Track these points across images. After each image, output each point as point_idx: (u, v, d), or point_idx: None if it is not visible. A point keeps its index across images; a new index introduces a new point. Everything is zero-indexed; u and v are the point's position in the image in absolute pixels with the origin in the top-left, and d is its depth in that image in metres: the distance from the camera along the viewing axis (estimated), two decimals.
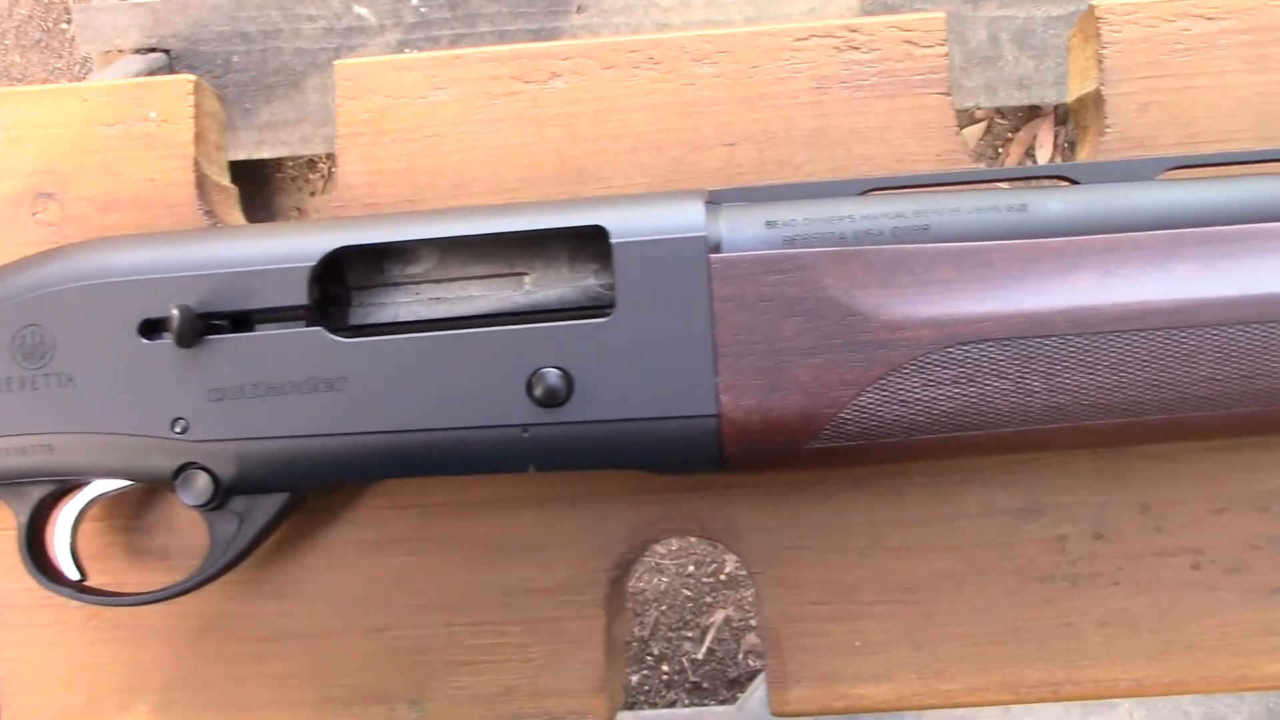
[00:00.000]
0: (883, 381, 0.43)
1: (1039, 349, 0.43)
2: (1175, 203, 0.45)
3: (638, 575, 1.34)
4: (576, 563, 0.48)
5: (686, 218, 0.44)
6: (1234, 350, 0.43)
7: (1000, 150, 1.43)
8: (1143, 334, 0.43)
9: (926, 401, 0.43)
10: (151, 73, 1.26)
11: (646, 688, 1.38)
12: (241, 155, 1.29)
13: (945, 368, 0.43)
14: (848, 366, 0.43)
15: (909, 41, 0.48)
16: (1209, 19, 0.48)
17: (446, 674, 0.48)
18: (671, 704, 1.32)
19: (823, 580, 0.48)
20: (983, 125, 1.43)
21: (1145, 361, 0.43)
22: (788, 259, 0.43)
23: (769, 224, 0.44)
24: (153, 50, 1.30)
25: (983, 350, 0.43)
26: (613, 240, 0.43)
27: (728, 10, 1.33)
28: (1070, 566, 0.48)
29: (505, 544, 0.48)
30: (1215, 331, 0.43)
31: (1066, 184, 0.46)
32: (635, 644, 1.38)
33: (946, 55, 0.48)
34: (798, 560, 0.48)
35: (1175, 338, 0.43)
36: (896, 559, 0.48)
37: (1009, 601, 0.48)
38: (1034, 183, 0.47)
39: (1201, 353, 0.43)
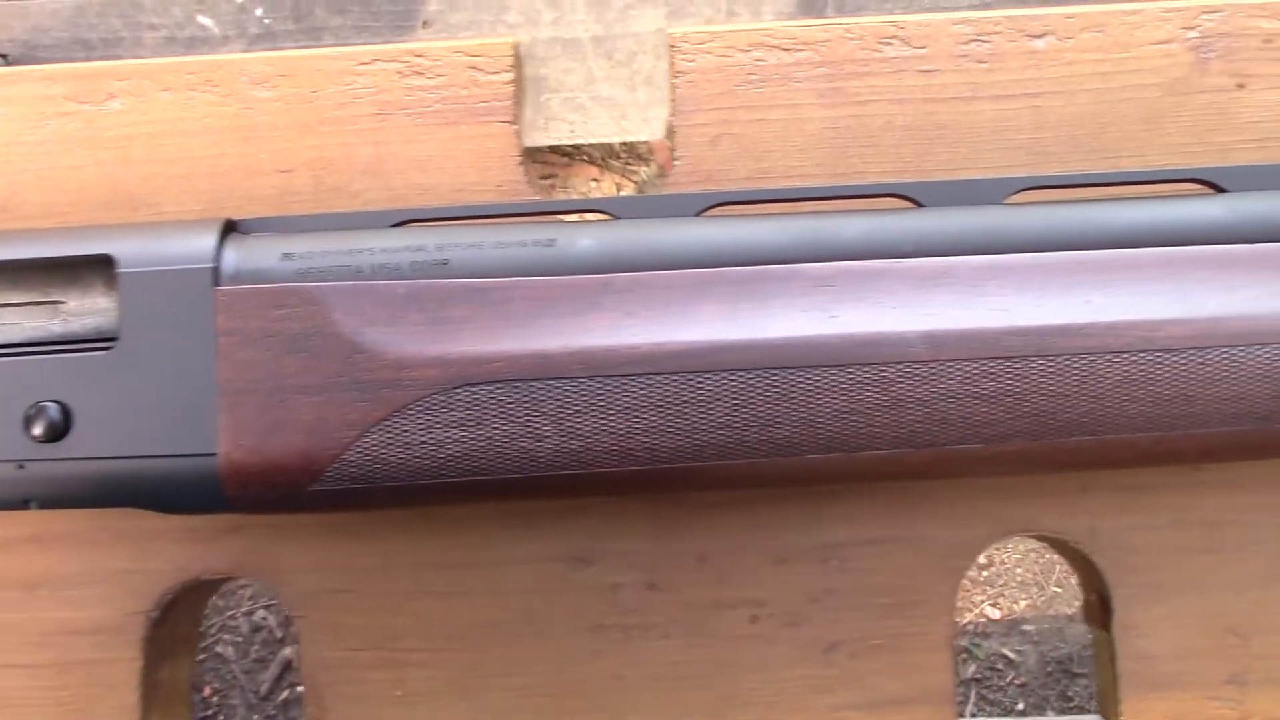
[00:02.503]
0: (387, 423, 0.41)
1: (549, 392, 0.41)
2: (711, 241, 0.43)
3: None
4: (113, 603, 0.46)
5: (196, 248, 0.42)
6: (751, 395, 0.41)
7: None
8: (658, 378, 0.41)
9: (432, 444, 0.41)
10: None
11: None
12: None
13: (452, 410, 0.41)
14: (351, 406, 0.41)
15: (474, 68, 0.47)
16: (784, 49, 0.46)
17: None
18: None
19: (365, 625, 0.46)
20: None
21: (659, 406, 0.41)
22: (295, 292, 0.42)
23: (285, 256, 0.42)
24: None
25: (491, 392, 0.41)
26: (119, 270, 0.42)
27: (574, 28, 1.31)
28: (622, 617, 0.46)
29: (43, 582, 0.46)
30: (733, 376, 0.41)
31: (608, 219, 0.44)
32: None
33: (513, 82, 0.46)
34: (340, 604, 0.46)
35: (691, 382, 0.41)
36: (441, 605, 0.46)
37: (558, 652, 0.46)
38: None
39: (719, 398, 0.41)
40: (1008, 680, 1.39)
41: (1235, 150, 0.46)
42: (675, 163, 0.47)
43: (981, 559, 1.43)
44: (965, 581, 1.43)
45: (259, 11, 1.33)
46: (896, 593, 0.45)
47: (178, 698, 0.48)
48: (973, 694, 1.38)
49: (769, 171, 0.46)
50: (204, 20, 1.33)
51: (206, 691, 1.43)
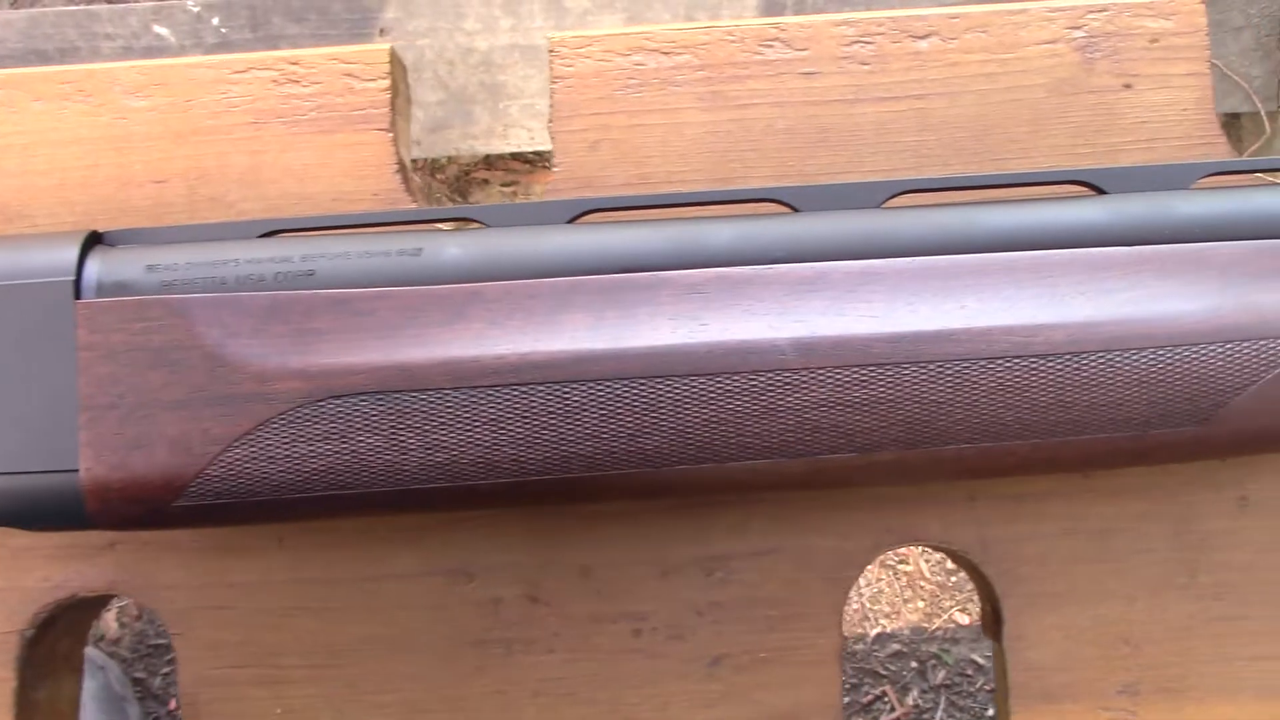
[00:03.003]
0: (250, 436, 0.41)
1: (414, 403, 0.40)
2: (581, 248, 0.42)
3: None
4: None
5: (56, 260, 0.41)
6: (618, 406, 0.40)
7: None
8: (523, 389, 0.40)
9: (296, 458, 0.41)
10: None
11: None
12: None
13: (316, 423, 0.41)
14: (215, 420, 0.41)
15: (350, 75, 0.46)
16: (664, 53, 0.46)
17: None
18: None
19: (244, 642, 0.45)
20: None
21: (525, 418, 0.40)
22: (158, 305, 0.41)
23: (149, 268, 0.42)
24: None
25: (356, 405, 0.40)
26: None
27: (533, 35, 1.31)
28: (504, 632, 0.45)
29: None
30: (599, 386, 0.40)
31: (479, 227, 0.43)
32: None
33: (388, 89, 0.46)
34: (219, 621, 0.45)
35: (557, 393, 0.40)
36: (321, 621, 0.45)
37: (439, 668, 0.45)
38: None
39: (585, 409, 0.40)
40: (977, 686, 1.38)
41: (1123, 151, 0.45)
42: (554, 169, 0.46)
43: (949, 564, 1.42)
44: (933, 587, 1.42)
45: (215, 21, 1.33)
46: (783, 605, 0.45)
47: (59, 718, 0.47)
48: (942, 700, 1.37)
49: (649, 177, 0.46)
50: (160, 30, 1.32)
51: (172, 705, 1.43)
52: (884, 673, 1.40)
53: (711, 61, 0.46)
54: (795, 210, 0.43)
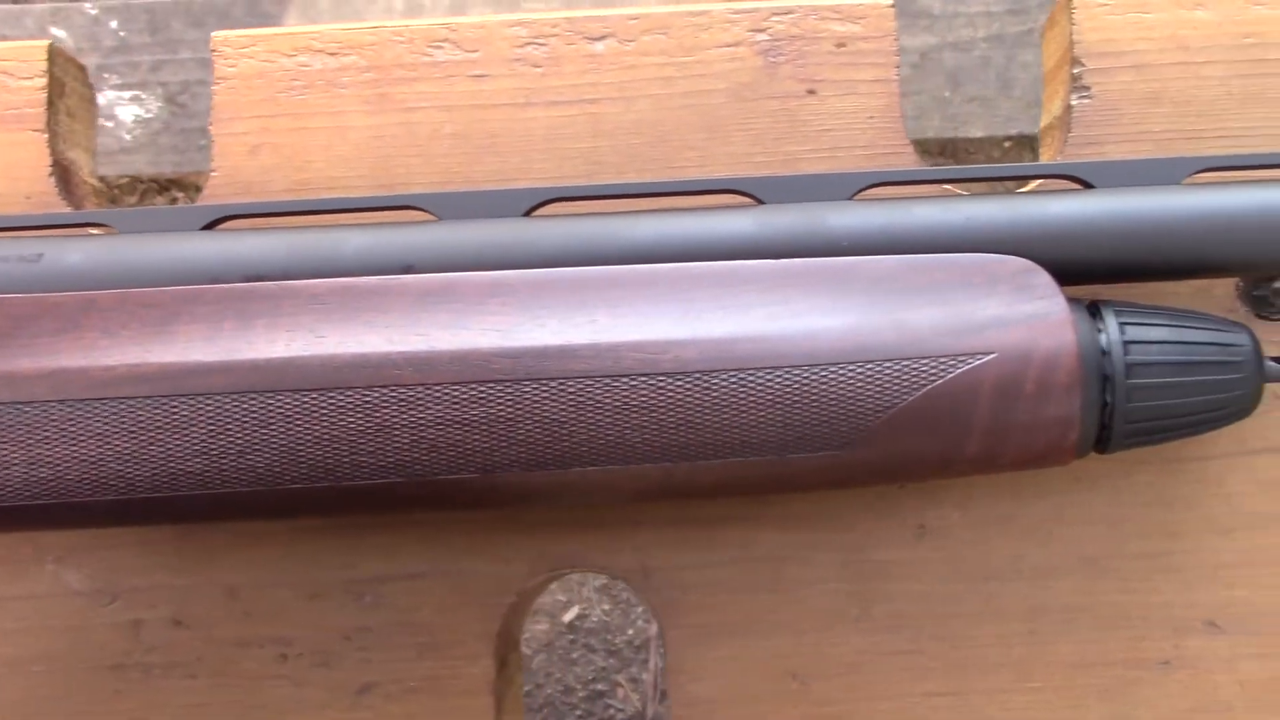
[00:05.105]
0: None
1: (17, 416, 0.39)
2: (208, 256, 0.41)
3: None
4: None
5: None
6: (227, 421, 0.38)
7: None
8: (130, 402, 0.38)
9: None
10: None
11: None
12: None
13: None
14: None
15: (4, 73, 0.44)
16: (331, 54, 0.44)
17: None
18: None
19: None
20: None
21: (132, 432, 0.38)
22: None
23: None
24: None
25: None
26: None
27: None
28: (145, 655, 0.43)
29: None
30: (208, 400, 0.38)
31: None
32: None
33: (44, 89, 0.44)
34: None
35: (165, 407, 0.38)
36: None
37: (78, 692, 0.43)
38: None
39: (193, 424, 0.38)
40: None
41: (803, 160, 0.43)
42: (212, 174, 0.44)
43: None
44: None
45: (114, 24, 1.31)
46: (434, 631, 0.43)
47: None
48: None
49: (309, 183, 0.44)
50: (57, 32, 1.31)
51: None
52: None
53: (379, 63, 0.44)
54: (437, 218, 0.41)
